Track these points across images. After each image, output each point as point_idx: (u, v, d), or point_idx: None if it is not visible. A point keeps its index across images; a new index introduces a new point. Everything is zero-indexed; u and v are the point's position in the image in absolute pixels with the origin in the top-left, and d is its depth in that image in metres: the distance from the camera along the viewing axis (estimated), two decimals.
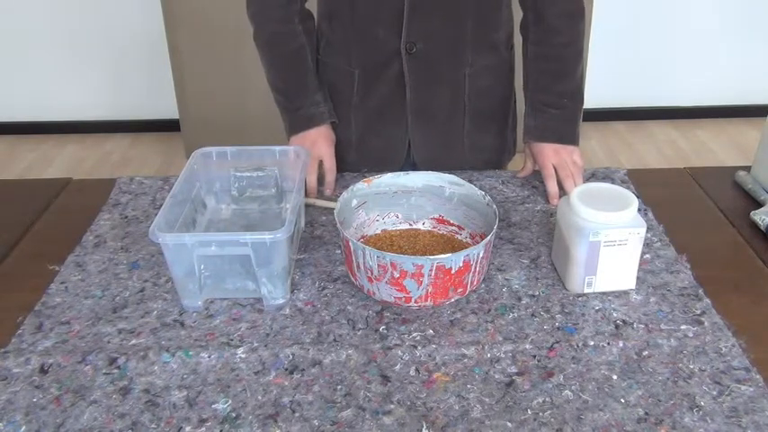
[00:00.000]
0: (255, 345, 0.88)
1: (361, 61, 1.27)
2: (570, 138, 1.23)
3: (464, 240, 1.06)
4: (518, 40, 1.31)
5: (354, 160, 1.35)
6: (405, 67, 1.23)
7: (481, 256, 0.91)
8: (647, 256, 1.04)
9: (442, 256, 0.87)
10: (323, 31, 1.30)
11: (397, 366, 0.84)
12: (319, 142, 1.25)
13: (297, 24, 1.25)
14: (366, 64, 1.27)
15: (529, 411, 0.78)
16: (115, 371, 0.84)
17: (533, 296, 0.96)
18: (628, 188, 1.13)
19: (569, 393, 0.80)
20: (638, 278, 0.97)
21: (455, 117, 1.31)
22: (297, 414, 0.78)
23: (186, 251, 0.90)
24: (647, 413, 0.77)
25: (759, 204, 1.17)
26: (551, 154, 1.22)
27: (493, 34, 1.26)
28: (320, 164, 1.25)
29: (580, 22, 1.22)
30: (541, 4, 1.21)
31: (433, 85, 1.27)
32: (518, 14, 1.28)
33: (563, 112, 1.23)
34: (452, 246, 1.05)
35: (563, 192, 1.19)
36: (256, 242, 0.88)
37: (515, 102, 1.41)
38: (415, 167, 1.34)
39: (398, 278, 0.89)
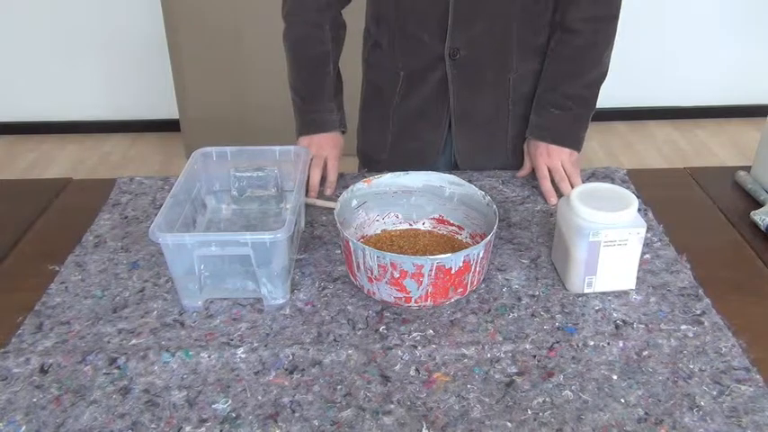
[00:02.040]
0: (255, 345, 0.88)
1: (406, 63, 1.27)
2: (569, 141, 1.22)
3: (464, 240, 1.06)
4: None
5: (386, 160, 1.35)
6: (448, 72, 1.24)
7: (481, 256, 0.91)
8: (647, 256, 1.04)
9: (442, 256, 0.87)
10: (371, 32, 1.32)
11: (397, 366, 0.84)
12: (326, 147, 1.26)
13: (327, 31, 1.25)
14: (411, 66, 1.27)
15: (529, 411, 0.78)
16: (115, 371, 0.84)
17: (533, 296, 0.96)
18: (628, 188, 1.13)
19: (569, 393, 0.80)
20: (638, 278, 0.97)
21: (499, 122, 1.30)
22: (297, 414, 0.78)
23: (186, 251, 0.90)
24: (647, 413, 0.77)
25: (759, 204, 1.17)
26: (544, 154, 1.22)
27: (536, 39, 1.25)
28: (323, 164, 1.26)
29: (604, 27, 1.20)
30: (566, 7, 1.19)
31: (476, 91, 1.27)
32: None
33: (565, 113, 1.22)
34: (452, 246, 1.05)
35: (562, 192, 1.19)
36: (256, 242, 0.88)
37: None
38: (456, 169, 1.34)
39: (398, 278, 0.88)
